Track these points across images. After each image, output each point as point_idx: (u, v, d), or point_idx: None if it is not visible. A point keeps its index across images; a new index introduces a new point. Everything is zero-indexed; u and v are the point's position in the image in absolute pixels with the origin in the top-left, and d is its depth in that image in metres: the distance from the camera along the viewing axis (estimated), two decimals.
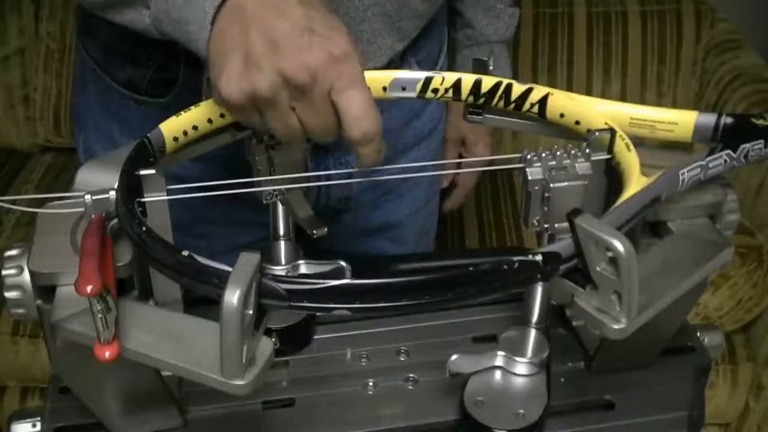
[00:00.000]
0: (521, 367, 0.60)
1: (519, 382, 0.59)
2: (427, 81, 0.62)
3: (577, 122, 0.59)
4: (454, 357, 0.58)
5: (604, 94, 1.81)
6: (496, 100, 0.61)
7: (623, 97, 1.80)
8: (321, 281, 0.44)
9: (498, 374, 0.60)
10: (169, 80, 0.79)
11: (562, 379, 0.64)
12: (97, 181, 0.54)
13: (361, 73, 0.55)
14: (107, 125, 0.86)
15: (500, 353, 0.60)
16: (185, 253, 0.45)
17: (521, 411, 0.57)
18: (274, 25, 0.54)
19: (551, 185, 0.54)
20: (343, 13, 0.74)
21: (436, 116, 0.96)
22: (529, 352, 0.60)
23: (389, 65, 0.81)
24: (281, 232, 0.68)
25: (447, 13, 0.97)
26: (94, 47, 0.84)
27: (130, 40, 0.69)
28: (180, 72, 0.78)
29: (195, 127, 0.59)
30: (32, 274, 0.51)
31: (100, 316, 0.43)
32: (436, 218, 1.08)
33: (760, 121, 0.57)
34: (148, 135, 0.56)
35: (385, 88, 0.62)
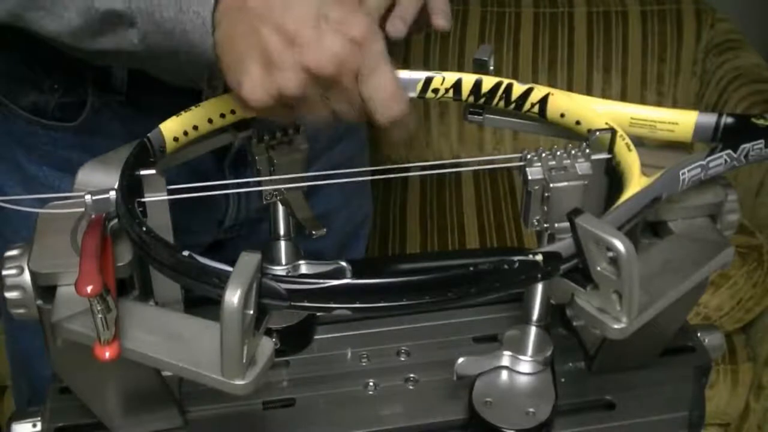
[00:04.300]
0: (526, 365, 0.60)
1: (526, 380, 0.60)
2: (428, 81, 0.62)
3: (578, 122, 0.59)
4: (460, 360, 0.58)
5: (604, 94, 1.81)
6: (496, 100, 0.61)
7: (623, 97, 1.80)
8: (322, 281, 0.44)
9: (504, 374, 0.60)
10: (77, 104, 0.75)
11: (563, 379, 0.64)
12: (97, 181, 0.54)
13: (383, 53, 0.52)
14: (11, 152, 0.80)
15: (505, 353, 0.60)
16: (185, 253, 0.45)
17: (531, 409, 0.58)
18: (285, 17, 0.51)
19: (551, 185, 0.54)
20: None
21: None
22: (533, 350, 0.60)
23: None
24: (281, 232, 0.68)
25: None
26: None
27: (32, 64, 0.64)
28: (88, 95, 0.74)
29: (195, 127, 0.59)
30: (32, 274, 0.51)
31: (100, 316, 0.43)
32: (364, 211, 1.03)
33: (761, 121, 0.57)
34: (149, 135, 0.56)
35: None
